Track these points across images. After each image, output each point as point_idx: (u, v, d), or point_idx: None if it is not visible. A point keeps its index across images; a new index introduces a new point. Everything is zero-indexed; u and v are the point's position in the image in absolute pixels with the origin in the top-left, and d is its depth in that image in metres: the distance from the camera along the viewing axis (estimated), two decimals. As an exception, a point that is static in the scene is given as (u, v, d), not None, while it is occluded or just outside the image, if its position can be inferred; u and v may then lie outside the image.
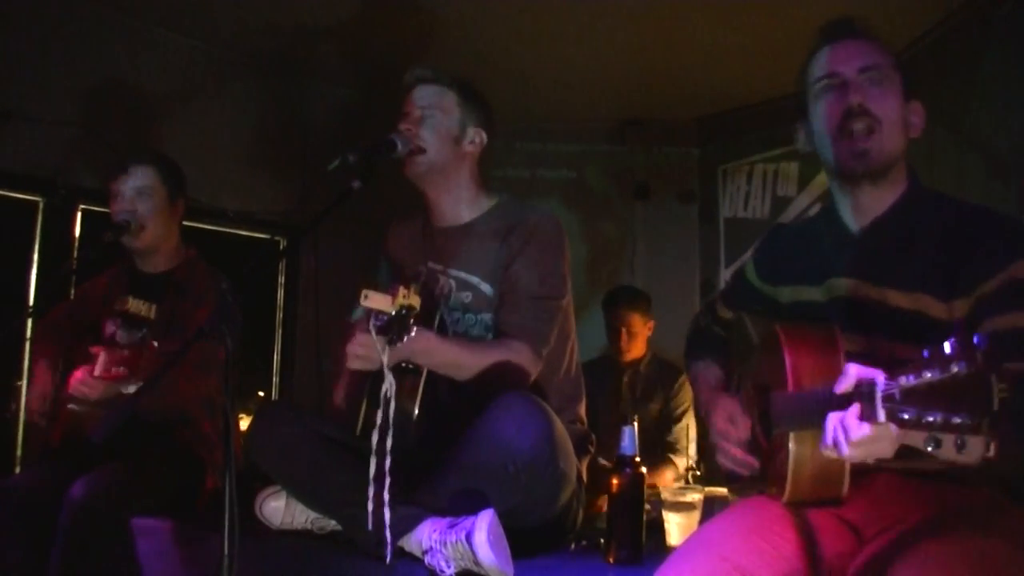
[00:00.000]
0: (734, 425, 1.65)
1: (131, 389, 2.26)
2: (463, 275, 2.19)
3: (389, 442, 1.77)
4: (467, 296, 2.18)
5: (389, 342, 1.72)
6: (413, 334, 1.72)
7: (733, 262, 4.55)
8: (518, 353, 2.06)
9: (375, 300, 1.70)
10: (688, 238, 4.77)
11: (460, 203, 2.25)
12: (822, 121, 1.54)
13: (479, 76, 2.32)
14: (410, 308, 1.69)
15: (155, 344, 2.32)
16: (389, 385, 1.79)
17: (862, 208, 1.55)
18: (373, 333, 1.73)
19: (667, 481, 3.31)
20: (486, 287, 2.17)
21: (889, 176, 1.52)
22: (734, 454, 1.62)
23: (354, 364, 1.90)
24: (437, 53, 3.79)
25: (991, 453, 0.94)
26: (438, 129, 2.18)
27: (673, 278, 4.61)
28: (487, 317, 2.16)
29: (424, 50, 3.79)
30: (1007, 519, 1.33)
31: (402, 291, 1.70)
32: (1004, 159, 3.09)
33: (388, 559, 1.80)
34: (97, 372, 2.26)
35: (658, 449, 3.52)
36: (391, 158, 2.10)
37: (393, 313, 1.69)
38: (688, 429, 3.56)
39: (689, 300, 4.61)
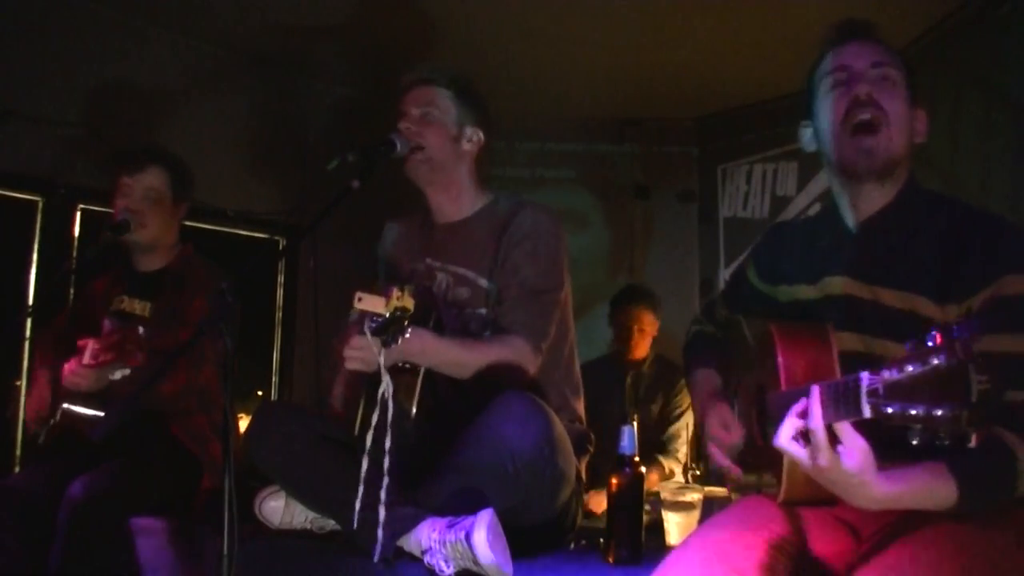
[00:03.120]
0: (727, 431, 1.66)
1: (117, 375, 2.28)
2: (460, 271, 2.20)
3: (388, 442, 1.77)
4: (465, 292, 2.19)
5: (384, 343, 1.73)
6: (408, 335, 1.72)
7: (732, 261, 4.54)
8: (516, 349, 2.06)
9: (368, 303, 1.70)
10: (687, 238, 4.77)
11: (459, 201, 2.27)
12: (828, 114, 1.52)
13: (479, 76, 2.32)
14: (404, 310, 1.69)
15: (141, 330, 2.33)
16: (386, 386, 1.79)
17: (860, 206, 1.54)
18: (369, 335, 1.73)
19: (652, 482, 3.27)
20: (483, 282, 2.17)
21: (891, 177, 1.52)
22: (720, 462, 1.64)
23: (352, 365, 1.90)
24: (437, 53, 3.79)
25: (972, 444, 0.94)
26: (436, 128, 2.19)
27: (672, 278, 4.60)
28: (484, 312, 2.16)
29: (424, 50, 3.78)
30: (1005, 518, 1.33)
31: (396, 293, 1.70)
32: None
33: (377, 557, 1.80)
34: (86, 360, 2.26)
35: (653, 450, 3.51)
36: (391, 158, 2.10)
37: (387, 315, 1.69)
38: (686, 429, 3.54)
39: (689, 300, 4.60)
